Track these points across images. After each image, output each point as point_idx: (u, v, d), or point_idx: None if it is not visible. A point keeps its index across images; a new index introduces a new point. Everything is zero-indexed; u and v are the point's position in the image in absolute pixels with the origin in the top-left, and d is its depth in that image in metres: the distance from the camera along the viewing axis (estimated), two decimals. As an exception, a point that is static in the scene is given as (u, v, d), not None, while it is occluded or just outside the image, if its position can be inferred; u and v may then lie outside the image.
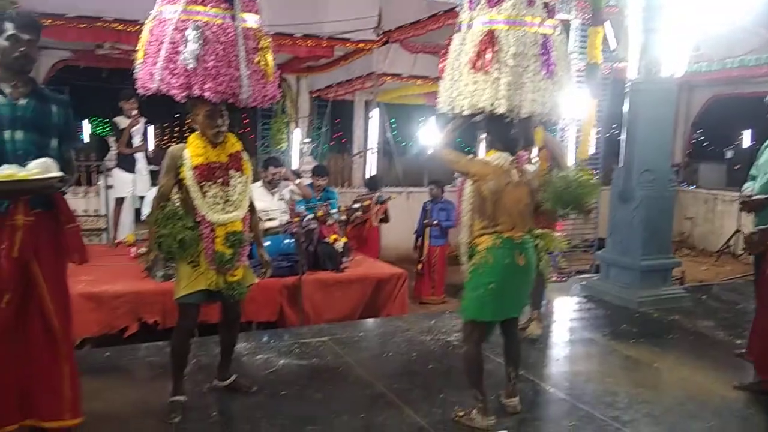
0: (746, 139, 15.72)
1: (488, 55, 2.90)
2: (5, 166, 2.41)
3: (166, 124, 20.66)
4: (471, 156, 3.17)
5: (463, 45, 3.03)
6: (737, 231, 10.16)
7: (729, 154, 12.71)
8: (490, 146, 3.11)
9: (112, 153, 7.30)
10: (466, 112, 2.99)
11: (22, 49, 2.53)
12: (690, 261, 9.96)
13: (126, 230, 6.94)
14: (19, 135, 2.55)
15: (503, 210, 2.98)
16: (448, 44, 3.20)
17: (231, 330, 3.43)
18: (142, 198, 6.56)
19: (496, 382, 3.42)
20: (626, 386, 3.75)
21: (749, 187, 4.35)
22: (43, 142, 2.62)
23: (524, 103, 2.94)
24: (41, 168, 2.44)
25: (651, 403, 3.53)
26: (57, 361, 2.65)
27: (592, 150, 6.73)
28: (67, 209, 2.72)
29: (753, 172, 4.55)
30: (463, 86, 2.98)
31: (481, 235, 3.02)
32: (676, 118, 6.72)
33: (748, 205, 3.83)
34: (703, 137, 18.68)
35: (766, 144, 4.53)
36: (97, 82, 12.88)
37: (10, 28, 2.52)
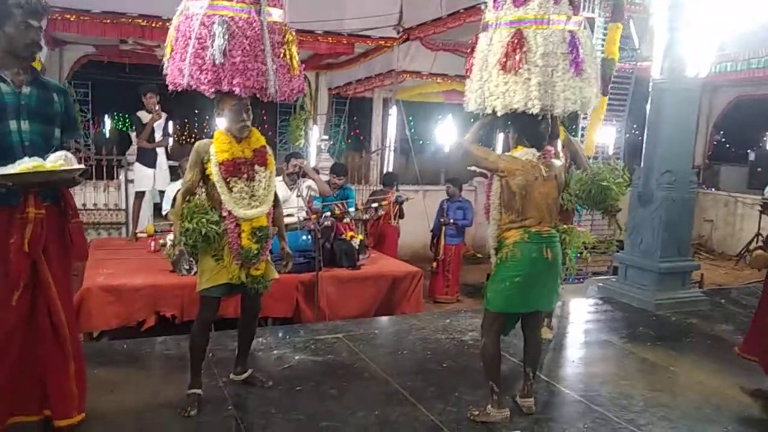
0: (769, 141, 15.47)
1: (517, 56, 2.91)
2: (26, 159, 2.40)
3: (186, 120, 20.83)
4: (499, 152, 3.16)
5: (490, 45, 3.03)
6: (758, 234, 10.00)
7: (751, 156, 12.50)
8: (517, 142, 3.12)
9: (134, 147, 7.37)
10: (500, 113, 3.00)
11: (33, 36, 2.49)
12: (709, 264, 9.84)
13: (145, 224, 7.01)
14: (25, 125, 2.50)
15: (532, 204, 3.01)
16: (474, 43, 3.20)
17: (250, 324, 3.46)
18: (162, 193, 6.61)
19: (510, 384, 3.41)
20: (642, 389, 3.72)
21: (772, 190, 4.30)
22: (49, 132, 2.58)
23: (557, 102, 2.96)
24: (63, 160, 2.45)
25: (667, 406, 3.50)
26: (65, 360, 2.62)
27: (603, 147, 6.68)
28: (73, 203, 2.69)
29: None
30: (494, 87, 2.99)
31: (509, 229, 3.05)
32: (697, 119, 6.63)
33: (769, 208, 3.79)
34: (724, 138, 18.42)
35: None
36: (119, 77, 13.03)
37: (19, 14, 2.45)
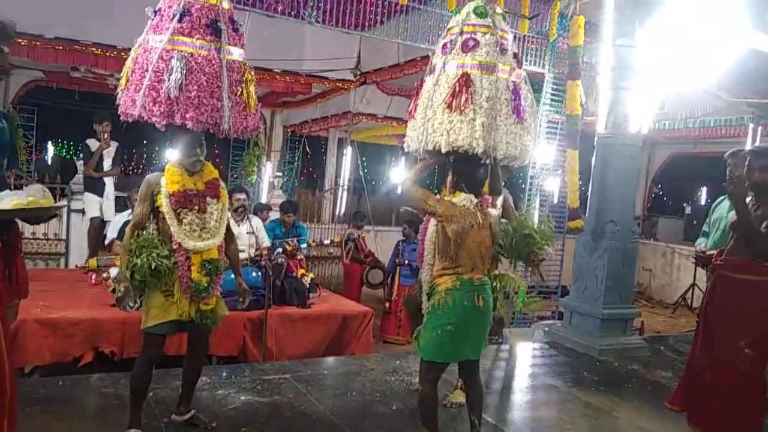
0: (703, 195, 16.34)
1: (464, 96, 2.99)
2: (6, 192, 2.22)
3: (134, 151, 20.40)
4: (438, 196, 3.20)
5: (437, 86, 3.11)
6: (693, 284, 10.44)
7: (687, 209, 13.16)
8: (456, 187, 3.15)
9: (79, 176, 7.17)
10: (442, 149, 3.04)
11: (2, 62, 2.38)
12: (648, 312, 10.17)
13: (87, 255, 6.77)
14: None
15: (465, 251, 3.01)
16: (420, 86, 3.29)
17: (197, 363, 3.37)
18: (106, 222, 6.43)
19: (458, 427, 3.40)
20: (586, 434, 3.78)
21: (702, 243, 4.55)
22: (1, 162, 2.42)
23: (498, 144, 3.04)
24: (42, 194, 2.30)
25: (610, 452, 3.56)
26: (3, 421, 2.27)
27: (552, 197, 6.92)
28: (20, 236, 2.51)
29: (705, 228, 4.77)
30: (437, 124, 3.04)
31: (442, 275, 3.04)
32: (638, 173, 6.99)
33: (702, 260, 3.98)
34: (662, 192, 19.33)
35: (717, 201, 4.77)
36: (68, 104, 12.73)
37: None
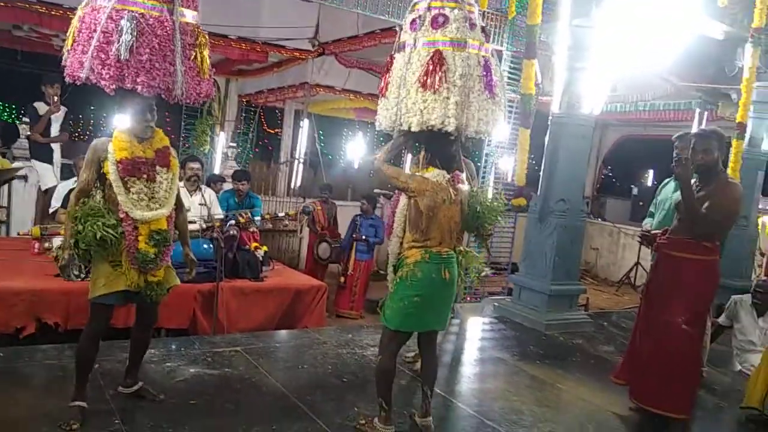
0: (650, 177, 16.86)
1: (438, 75, 2.98)
2: None
3: (81, 116, 19.62)
4: (409, 172, 3.21)
5: (409, 64, 3.08)
6: (637, 263, 10.83)
7: (634, 190, 13.58)
8: (429, 163, 3.17)
9: (22, 141, 6.84)
10: (414, 129, 3.04)
11: None
12: (593, 289, 10.52)
13: (29, 223, 6.52)
14: None
15: (436, 225, 3.06)
16: (390, 63, 3.25)
17: (145, 334, 3.30)
18: (50, 190, 6.19)
19: (409, 399, 3.46)
20: (531, 405, 3.91)
21: (648, 223, 4.72)
22: None
23: (471, 121, 3.06)
24: None
25: (553, 422, 3.69)
26: None
27: (505, 176, 7.02)
28: None
29: (652, 209, 4.94)
30: (411, 104, 3.03)
31: (411, 248, 3.08)
32: (588, 154, 7.14)
33: (646, 239, 4.12)
34: (611, 173, 19.87)
35: (663, 183, 4.95)
36: (10, 64, 12.11)
37: None
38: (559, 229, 5.76)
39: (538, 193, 6.08)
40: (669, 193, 4.64)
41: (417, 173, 3.18)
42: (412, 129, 3.05)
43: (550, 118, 5.99)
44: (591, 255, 12.45)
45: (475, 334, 5.63)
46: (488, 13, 6.40)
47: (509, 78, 6.37)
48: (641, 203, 12.56)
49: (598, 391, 4.29)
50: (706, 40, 6.52)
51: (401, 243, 3.17)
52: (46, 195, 6.36)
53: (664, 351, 3.69)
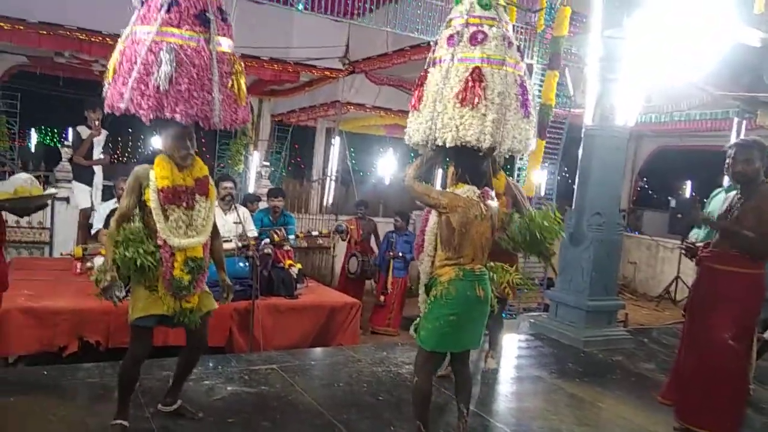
0: (688, 189, 16.48)
1: (477, 91, 2.98)
2: None
3: (119, 139, 20.19)
4: (440, 188, 3.18)
5: (446, 79, 3.08)
6: (677, 278, 10.56)
7: (672, 203, 13.27)
8: (459, 179, 3.14)
9: (64, 164, 7.07)
10: (449, 144, 3.03)
11: None
12: (632, 304, 10.28)
13: (73, 244, 6.70)
14: None
15: (468, 242, 3.02)
16: (423, 77, 3.26)
17: (193, 356, 3.35)
18: (93, 211, 6.36)
19: (442, 415, 3.41)
20: (570, 424, 3.82)
21: (695, 234, 4.56)
22: None
23: (506, 139, 3.05)
24: (30, 183, 2.23)
25: (594, 442, 3.60)
26: None
27: (538, 189, 6.96)
28: (4, 228, 2.44)
29: (701, 219, 4.77)
30: (448, 119, 3.02)
31: (444, 266, 3.04)
32: (623, 166, 7.03)
33: (690, 252, 4.01)
34: (647, 185, 19.50)
35: (713, 194, 4.79)
36: (52, 90, 12.55)
37: None
38: (596, 244, 5.66)
39: (573, 206, 6.00)
40: (719, 204, 4.50)
41: (448, 189, 3.15)
42: (447, 144, 3.04)
43: (583, 130, 5.92)
44: (629, 269, 12.19)
45: (511, 351, 5.54)
46: (517, 27, 6.40)
47: (540, 92, 6.34)
48: (679, 215, 12.25)
49: (639, 409, 4.18)
50: (742, 48, 6.37)
51: (433, 262, 3.13)
52: (82, 214, 6.54)
53: (709, 368, 3.57)
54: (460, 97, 3.00)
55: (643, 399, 4.33)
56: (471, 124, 2.98)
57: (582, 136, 5.92)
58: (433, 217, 3.14)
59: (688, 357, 3.76)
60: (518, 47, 3.23)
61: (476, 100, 2.97)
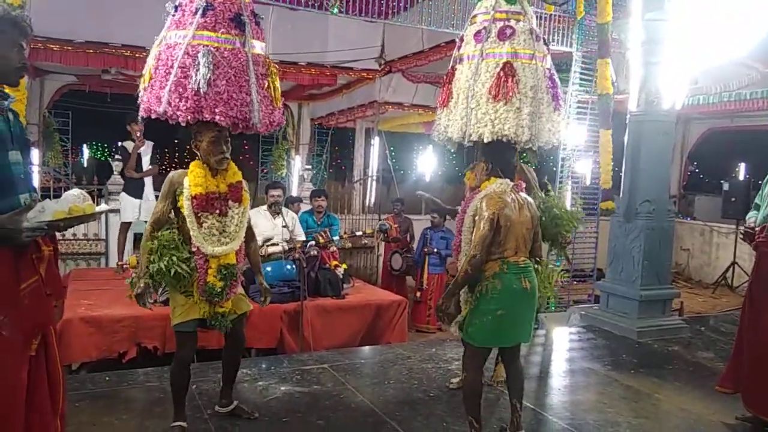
0: (741, 171, 15.86)
1: (509, 85, 2.97)
2: (47, 202, 2.17)
3: (166, 150, 20.75)
4: (483, 214, 2.96)
5: (477, 75, 3.08)
6: (734, 263, 10.19)
7: (725, 186, 12.79)
8: (491, 173, 3.11)
9: (115, 177, 7.31)
10: (486, 139, 3.02)
11: (23, 58, 2.21)
12: (687, 292, 9.97)
13: (126, 254, 6.92)
14: (18, 156, 2.20)
15: (512, 235, 2.99)
16: (451, 75, 3.25)
17: (234, 356, 3.42)
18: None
19: (492, 409, 3.39)
20: (627, 416, 3.74)
21: (752, 217, 4.38)
22: (27, 162, 2.31)
23: (542, 132, 3.04)
24: (81, 200, 2.28)
25: (653, 434, 3.52)
26: (55, 420, 2.27)
27: (583, 179, 6.82)
28: (56, 240, 2.40)
29: (757, 201, 4.59)
30: (482, 114, 3.02)
31: (487, 261, 3.00)
32: (672, 150, 6.81)
33: (749, 236, 3.86)
34: (698, 169, 18.84)
35: None
36: (100, 106, 12.99)
37: (12, 33, 2.15)
38: (647, 231, 5.52)
39: (621, 195, 5.86)
40: None
41: (482, 196, 3.02)
42: (484, 139, 3.03)
43: (627, 116, 5.78)
44: (682, 256, 11.82)
45: (562, 344, 5.46)
46: (555, 15, 6.29)
47: (581, 80, 6.22)
48: (733, 199, 11.79)
49: (698, 399, 4.06)
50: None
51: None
52: (124, 228, 6.74)
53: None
54: (492, 92, 3.00)
55: (702, 389, 4.21)
56: (507, 119, 2.97)
57: (627, 122, 5.79)
58: (467, 217, 3.09)
59: (752, 345, 3.63)
60: (544, 40, 3.22)
61: (510, 94, 2.97)
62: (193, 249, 3.01)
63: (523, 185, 3.18)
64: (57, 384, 2.30)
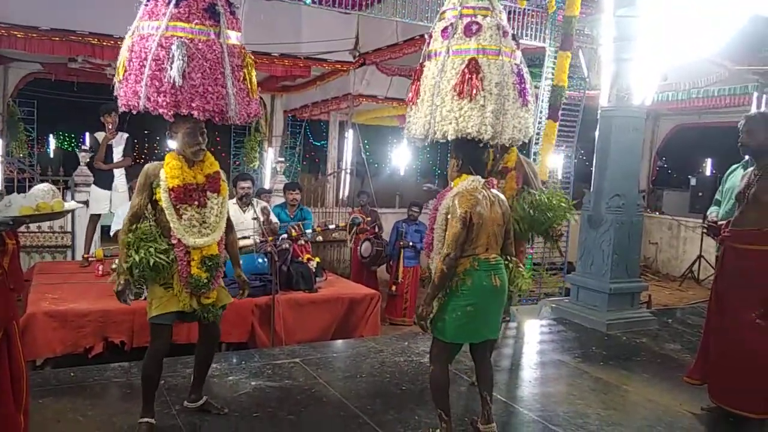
0: (708, 167, 16.23)
1: (474, 83, 2.95)
2: (14, 196, 2.14)
3: (136, 141, 20.41)
4: (456, 212, 2.94)
5: (443, 72, 3.06)
6: (700, 256, 10.43)
7: (693, 181, 13.07)
8: (461, 170, 3.10)
9: (82, 168, 7.14)
10: (450, 137, 3.02)
11: None
12: (655, 285, 10.17)
13: (93, 247, 6.78)
14: None
15: (483, 232, 2.99)
16: (419, 72, 3.23)
17: (208, 351, 3.37)
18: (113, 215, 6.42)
19: (468, 405, 3.41)
20: (597, 408, 3.79)
21: (713, 212, 4.49)
22: None
23: (506, 129, 3.03)
24: (50, 196, 2.23)
25: (621, 425, 3.57)
26: (18, 415, 2.25)
27: (552, 171, 6.90)
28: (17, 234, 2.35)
29: (718, 196, 4.71)
30: (446, 112, 3.00)
31: (459, 257, 2.98)
32: (642, 146, 6.92)
33: (713, 231, 3.94)
34: (666, 165, 19.21)
35: (730, 170, 4.71)
36: (67, 95, 12.69)
37: None
38: (616, 226, 5.60)
39: (591, 189, 5.93)
40: (737, 180, 4.41)
41: (453, 193, 3.02)
42: (448, 137, 3.02)
43: (599, 112, 5.84)
44: (650, 250, 12.06)
45: (533, 336, 5.52)
46: (529, 10, 6.32)
47: (553, 74, 6.26)
48: (700, 194, 12.07)
49: (666, 391, 4.14)
50: (759, 20, 6.23)
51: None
52: (93, 220, 6.61)
53: (738, 348, 3.52)
54: (457, 89, 2.98)
55: (670, 380, 4.28)
56: (470, 116, 2.96)
57: (598, 117, 5.85)
58: (440, 215, 3.07)
59: (717, 337, 3.71)
60: (513, 35, 3.20)
61: (474, 91, 2.95)
62: (173, 241, 2.97)
63: (495, 183, 3.17)
64: (20, 379, 2.26)
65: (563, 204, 3.98)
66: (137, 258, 2.87)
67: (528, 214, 3.89)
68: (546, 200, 3.94)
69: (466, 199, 2.95)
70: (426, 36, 3.34)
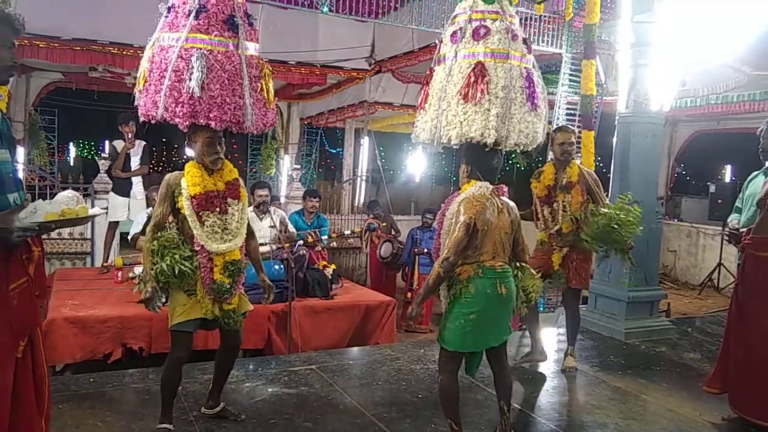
0: (728, 173, 16.01)
1: (479, 86, 2.94)
2: (39, 202, 2.14)
3: (154, 149, 20.62)
4: (459, 218, 2.94)
5: (450, 76, 3.06)
6: (719, 264, 10.28)
7: (712, 188, 12.90)
8: (470, 176, 3.09)
9: (102, 176, 7.24)
10: (454, 142, 3.01)
11: (14, 56, 2.18)
12: (674, 293, 10.03)
13: (113, 254, 6.86)
14: (6, 154, 2.17)
15: (489, 239, 2.96)
16: (429, 76, 3.23)
17: (229, 358, 3.39)
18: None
19: (489, 415, 3.38)
20: (615, 417, 3.75)
21: (734, 219, 4.42)
22: (13, 160, 2.27)
23: (512, 134, 3.00)
24: (74, 202, 2.25)
25: (641, 435, 3.52)
26: (41, 419, 2.26)
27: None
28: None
29: (738, 203, 4.63)
30: (452, 116, 3.00)
31: (463, 264, 2.97)
32: (660, 152, 6.84)
33: (734, 238, 3.89)
34: (685, 171, 18.99)
35: (750, 177, 4.63)
36: (87, 104, 12.88)
37: (6, 31, 2.13)
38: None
39: (609, 196, 5.87)
40: (757, 187, 4.34)
41: (460, 200, 3.01)
42: (452, 142, 3.02)
43: (616, 118, 5.80)
44: (669, 258, 11.90)
45: (551, 345, 5.45)
46: (545, 16, 6.31)
47: (570, 81, 6.23)
48: (719, 201, 11.90)
49: (686, 400, 4.08)
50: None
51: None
52: (112, 227, 6.68)
53: (759, 357, 3.47)
54: (462, 93, 2.97)
55: (689, 390, 4.22)
56: (474, 120, 2.94)
57: (615, 123, 5.81)
58: (446, 220, 3.07)
59: (737, 346, 3.65)
60: (524, 39, 3.17)
61: (479, 95, 2.93)
62: (196, 248, 3.01)
63: (505, 189, 3.14)
64: (42, 385, 2.28)
65: (631, 219, 3.98)
66: (164, 265, 2.91)
67: (605, 233, 3.91)
68: (623, 217, 3.96)
69: (471, 205, 2.94)
70: (437, 41, 3.35)
